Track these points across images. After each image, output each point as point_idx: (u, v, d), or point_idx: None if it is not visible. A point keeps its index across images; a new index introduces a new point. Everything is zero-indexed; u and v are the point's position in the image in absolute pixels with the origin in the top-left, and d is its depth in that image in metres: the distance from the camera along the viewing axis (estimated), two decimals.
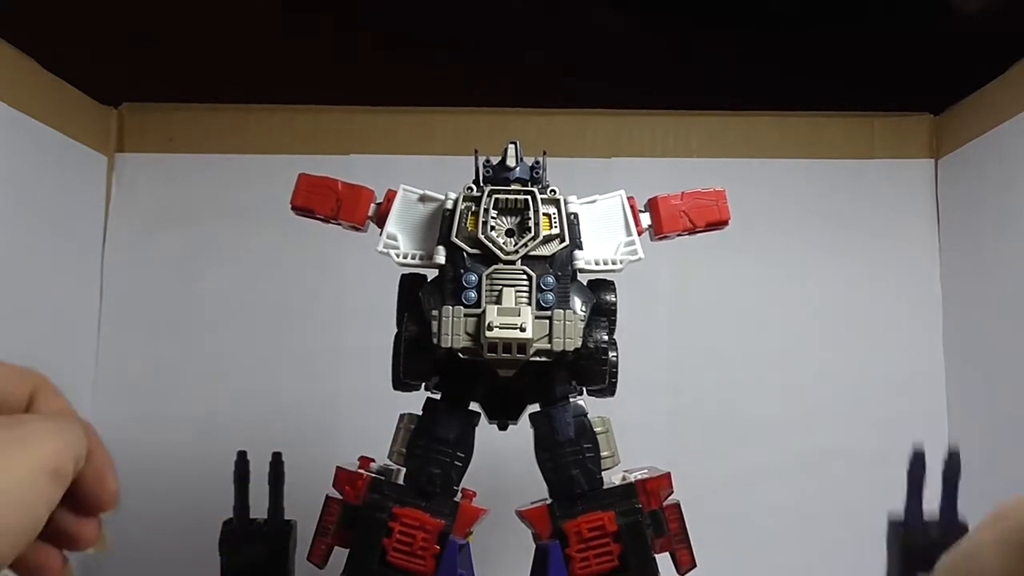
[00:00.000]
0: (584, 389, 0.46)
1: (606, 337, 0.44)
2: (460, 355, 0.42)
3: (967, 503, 0.71)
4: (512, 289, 0.43)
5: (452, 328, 0.42)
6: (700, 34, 0.78)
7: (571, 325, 0.42)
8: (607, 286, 0.47)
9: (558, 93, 0.75)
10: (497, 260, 0.43)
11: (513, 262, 0.43)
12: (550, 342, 0.42)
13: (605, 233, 0.46)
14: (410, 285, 0.46)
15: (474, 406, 0.46)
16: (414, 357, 0.44)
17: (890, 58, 0.77)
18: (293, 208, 0.47)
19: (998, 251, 0.66)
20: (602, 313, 0.45)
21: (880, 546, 0.66)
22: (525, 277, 0.43)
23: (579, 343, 0.42)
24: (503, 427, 0.47)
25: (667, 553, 0.45)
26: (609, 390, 0.46)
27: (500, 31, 0.79)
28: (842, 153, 0.75)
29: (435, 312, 0.43)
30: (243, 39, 0.77)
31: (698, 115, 0.75)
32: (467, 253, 0.44)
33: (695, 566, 0.44)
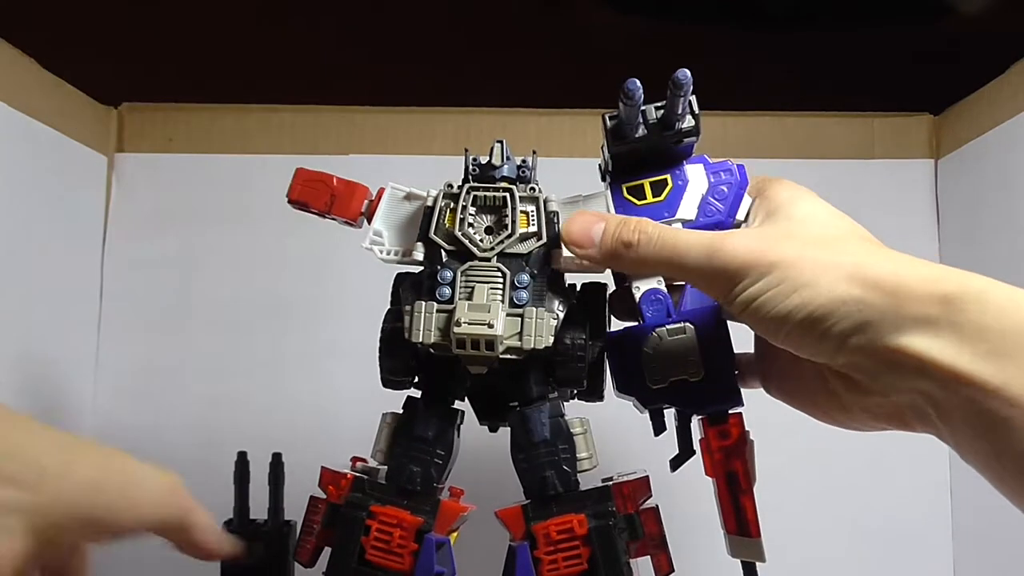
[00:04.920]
0: (572, 392, 0.46)
1: (584, 337, 0.43)
2: (432, 351, 0.42)
3: (962, 501, 0.71)
4: (485, 286, 0.42)
5: (423, 323, 0.42)
6: (700, 35, 0.78)
7: (542, 323, 0.42)
8: (598, 288, 0.47)
9: (558, 93, 0.75)
10: (473, 257, 0.43)
11: (488, 259, 0.43)
12: (520, 340, 0.42)
13: None
14: (401, 283, 0.46)
15: (459, 404, 0.46)
16: (390, 353, 0.44)
17: (890, 58, 0.78)
18: (289, 201, 0.47)
19: (998, 251, 0.65)
20: (588, 314, 0.45)
21: (873, 547, 0.65)
22: (499, 274, 0.43)
23: (550, 342, 0.42)
24: (493, 428, 0.47)
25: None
26: (593, 393, 0.46)
27: (500, 31, 0.79)
28: (842, 153, 0.74)
29: (408, 307, 0.43)
30: (243, 39, 0.77)
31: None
32: (444, 250, 0.44)
33: (673, 571, 0.43)
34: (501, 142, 0.45)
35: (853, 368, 0.37)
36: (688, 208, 0.44)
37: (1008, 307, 0.34)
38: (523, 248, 0.43)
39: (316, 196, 0.46)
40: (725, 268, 0.38)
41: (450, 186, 0.45)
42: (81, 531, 0.40)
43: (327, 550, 0.44)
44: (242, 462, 0.48)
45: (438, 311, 0.42)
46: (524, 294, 0.42)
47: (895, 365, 0.35)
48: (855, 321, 0.35)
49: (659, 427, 0.44)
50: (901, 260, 0.37)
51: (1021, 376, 0.32)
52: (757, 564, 0.42)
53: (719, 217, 0.43)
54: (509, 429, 0.45)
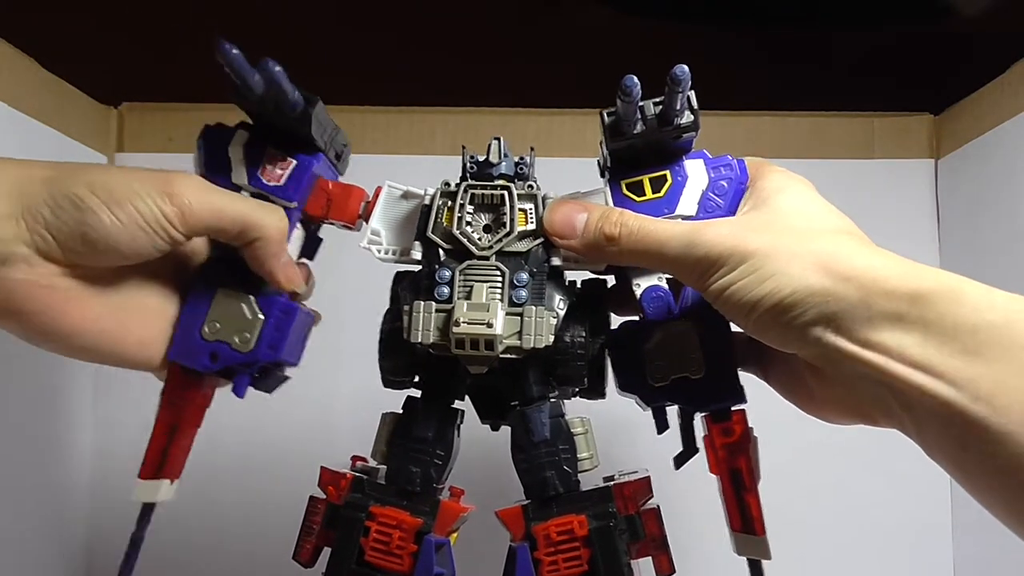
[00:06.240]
0: (573, 391, 0.46)
1: (584, 335, 0.43)
2: (431, 351, 0.42)
3: (963, 498, 0.71)
4: (484, 285, 0.42)
5: (422, 323, 0.42)
6: (700, 35, 0.78)
7: (542, 322, 0.41)
8: (598, 285, 0.47)
9: (558, 93, 0.75)
10: (471, 256, 0.43)
11: (487, 258, 0.43)
12: (520, 339, 0.41)
13: None
14: (399, 282, 0.46)
15: (458, 404, 0.46)
16: (389, 353, 0.44)
17: (890, 58, 0.78)
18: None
19: (998, 251, 0.65)
20: (588, 312, 0.44)
21: (877, 544, 0.65)
22: (498, 273, 0.42)
23: (550, 341, 0.42)
24: (495, 427, 0.47)
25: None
26: (594, 391, 0.45)
27: (500, 31, 0.79)
28: (842, 153, 0.74)
29: (407, 307, 0.42)
30: (243, 40, 0.77)
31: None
32: (442, 249, 0.43)
33: (674, 572, 0.43)
34: (498, 139, 0.44)
35: (819, 359, 0.37)
36: (688, 204, 0.43)
37: (981, 305, 0.34)
38: (522, 246, 0.43)
39: (313, 201, 0.45)
40: (704, 257, 0.38)
41: (447, 184, 0.44)
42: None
43: (327, 550, 0.44)
44: None
45: (437, 311, 0.42)
46: (523, 293, 0.42)
47: (861, 357, 0.35)
48: (822, 312, 0.35)
49: (662, 425, 0.44)
50: (878, 255, 0.37)
51: (990, 374, 0.33)
52: (763, 562, 0.42)
53: (720, 213, 0.43)
54: (510, 429, 0.45)
